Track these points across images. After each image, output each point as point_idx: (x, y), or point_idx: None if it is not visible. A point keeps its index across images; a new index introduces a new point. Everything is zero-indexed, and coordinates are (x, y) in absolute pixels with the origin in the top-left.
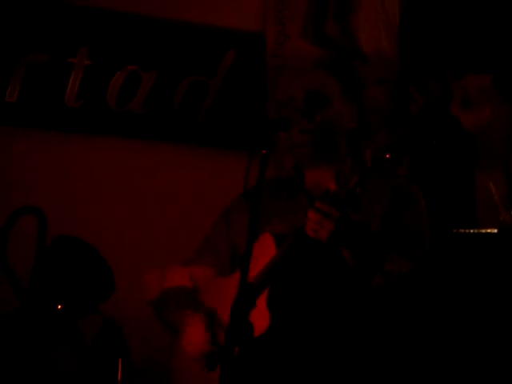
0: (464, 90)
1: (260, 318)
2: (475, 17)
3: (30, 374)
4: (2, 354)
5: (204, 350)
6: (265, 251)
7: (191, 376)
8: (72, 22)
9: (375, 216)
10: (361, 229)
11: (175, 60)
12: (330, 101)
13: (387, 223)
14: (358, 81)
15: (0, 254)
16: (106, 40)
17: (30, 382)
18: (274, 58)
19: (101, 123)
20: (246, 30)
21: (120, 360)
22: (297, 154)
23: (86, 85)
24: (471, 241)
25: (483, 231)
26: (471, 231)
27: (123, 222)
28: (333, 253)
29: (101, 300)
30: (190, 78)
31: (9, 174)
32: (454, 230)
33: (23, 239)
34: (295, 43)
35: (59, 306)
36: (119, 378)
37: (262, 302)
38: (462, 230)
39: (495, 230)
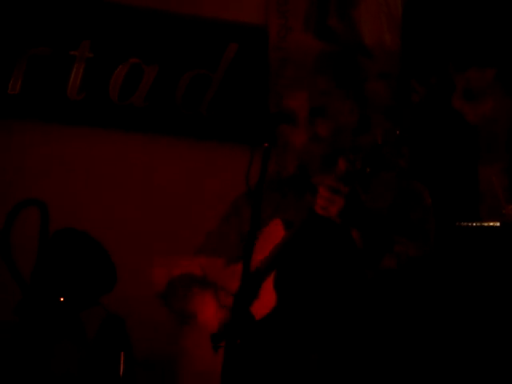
0: (467, 83)
1: (266, 299)
2: (478, 10)
3: (33, 367)
4: (4, 346)
5: (221, 322)
6: (274, 236)
7: (196, 363)
8: (74, 14)
9: (382, 207)
10: (370, 209)
11: (177, 53)
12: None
13: (393, 217)
14: (360, 74)
15: (4, 247)
16: (109, 33)
17: (33, 375)
18: (276, 52)
19: (103, 116)
20: (248, 23)
21: (122, 353)
22: (302, 161)
23: (88, 78)
24: (474, 234)
25: (486, 224)
26: (474, 224)
27: (125, 215)
28: (342, 235)
29: (103, 292)
30: (193, 71)
31: (10, 167)
32: (457, 223)
33: (26, 232)
34: (298, 36)
35: (62, 299)
36: (121, 371)
37: (268, 283)
38: (465, 223)
39: (498, 224)
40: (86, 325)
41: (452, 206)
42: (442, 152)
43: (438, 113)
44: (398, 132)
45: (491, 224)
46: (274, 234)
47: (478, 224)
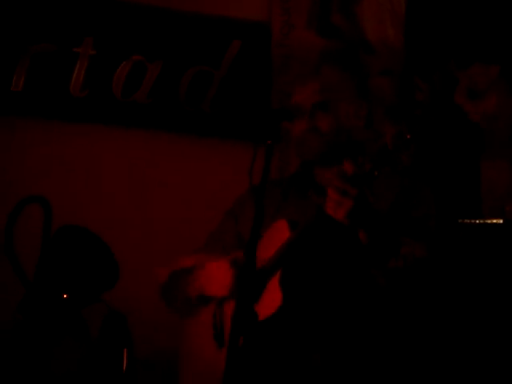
0: (470, 80)
1: (271, 298)
2: (482, 6)
3: (36, 364)
4: (7, 343)
5: (230, 284)
6: (279, 236)
7: (197, 363)
8: (77, 11)
9: (384, 206)
10: (376, 211)
11: (181, 50)
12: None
13: (396, 215)
14: (363, 71)
15: (7, 243)
16: (112, 30)
17: (36, 372)
18: (279, 48)
19: (106, 113)
20: (251, 20)
21: (125, 350)
22: (300, 153)
23: (91, 75)
24: (476, 231)
25: (488, 221)
26: (476, 221)
27: (126, 212)
28: (349, 236)
29: (106, 289)
30: (196, 68)
31: (12, 164)
32: (459, 221)
33: (28, 229)
34: (301, 33)
35: (65, 296)
36: (124, 368)
37: (274, 282)
38: (467, 221)
39: (501, 221)
40: (87, 321)
41: (454, 202)
42: (444, 149)
43: (441, 110)
44: (408, 136)
45: (494, 221)
46: (278, 233)
47: (481, 221)
